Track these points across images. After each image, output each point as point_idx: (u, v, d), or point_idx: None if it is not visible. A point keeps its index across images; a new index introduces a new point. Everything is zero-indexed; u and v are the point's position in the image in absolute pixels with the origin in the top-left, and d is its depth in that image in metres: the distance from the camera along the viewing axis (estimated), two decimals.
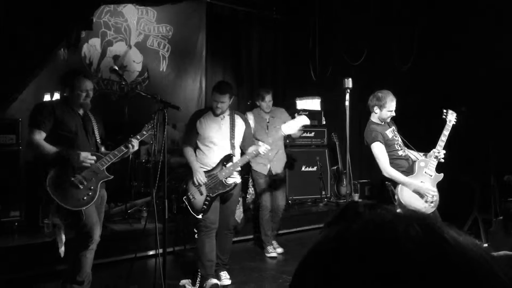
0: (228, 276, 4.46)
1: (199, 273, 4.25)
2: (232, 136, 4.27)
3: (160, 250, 3.51)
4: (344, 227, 0.52)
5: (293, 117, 4.82)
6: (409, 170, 4.03)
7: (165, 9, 7.30)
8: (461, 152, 5.71)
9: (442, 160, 4.01)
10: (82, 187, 3.46)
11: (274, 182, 5.39)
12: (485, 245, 4.45)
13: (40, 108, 3.55)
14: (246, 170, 5.58)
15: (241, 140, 4.34)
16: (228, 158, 4.22)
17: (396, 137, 4.13)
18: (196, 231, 4.26)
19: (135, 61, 7.24)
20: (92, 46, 6.77)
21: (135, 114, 5.83)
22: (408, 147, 4.20)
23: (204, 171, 4.18)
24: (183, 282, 4.33)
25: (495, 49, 5.97)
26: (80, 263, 3.54)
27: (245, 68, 8.47)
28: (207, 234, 4.16)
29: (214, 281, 4.20)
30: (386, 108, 4.03)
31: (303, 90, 7.92)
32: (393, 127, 4.18)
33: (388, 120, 4.13)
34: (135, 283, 4.12)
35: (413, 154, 4.17)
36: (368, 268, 0.47)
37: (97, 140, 3.74)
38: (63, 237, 3.71)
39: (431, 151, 4.03)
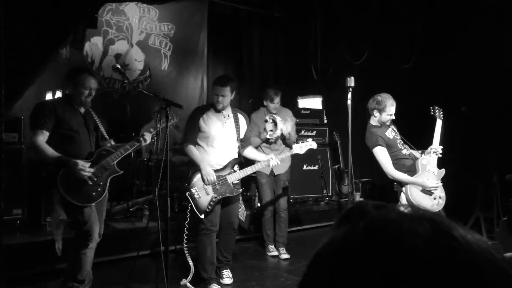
0: (230, 275, 4.45)
1: (193, 270, 4.15)
2: (238, 136, 4.23)
3: (161, 249, 3.52)
4: (350, 228, 0.52)
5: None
6: (412, 169, 4.03)
7: (167, 8, 7.30)
8: (463, 151, 5.71)
9: (440, 155, 4.03)
10: (92, 183, 3.47)
11: (277, 183, 5.36)
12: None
13: (41, 108, 3.52)
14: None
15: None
16: (237, 162, 4.18)
17: (397, 136, 4.14)
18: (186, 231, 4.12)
19: (137, 60, 7.25)
20: (94, 45, 6.78)
21: (137, 112, 5.85)
22: (409, 146, 4.21)
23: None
24: (184, 281, 4.31)
25: (496, 49, 5.96)
26: (81, 262, 3.54)
27: (247, 67, 8.47)
28: (208, 236, 4.10)
29: (217, 287, 4.16)
30: (386, 112, 4.03)
31: (305, 89, 7.92)
32: (392, 126, 4.19)
33: (388, 123, 4.14)
34: (137, 281, 4.12)
35: (414, 153, 4.18)
36: (374, 268, 0.47)
37: (104, 135, 3.74)
38: (61, 235, 3.72)
39: (429, 148, 4.07)
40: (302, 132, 7.12)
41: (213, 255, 4.18)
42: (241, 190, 4.25)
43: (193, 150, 4.11)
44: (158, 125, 3.75)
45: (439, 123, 4.09)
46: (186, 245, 4.06)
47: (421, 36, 6.75)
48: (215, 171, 4.09)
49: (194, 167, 4.14)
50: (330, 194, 7.48)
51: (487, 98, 5.96)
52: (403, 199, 3.98)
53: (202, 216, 4.04)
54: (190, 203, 4.05)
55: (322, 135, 7.48)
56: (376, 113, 4.08)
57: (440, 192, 4.03)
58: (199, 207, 4.04)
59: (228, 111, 4.25)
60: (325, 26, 7.56)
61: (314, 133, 7.35)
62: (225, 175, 4.10)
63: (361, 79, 5.04)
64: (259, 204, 6.16)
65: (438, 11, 6.61)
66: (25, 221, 5.13)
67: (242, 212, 5.56)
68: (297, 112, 6.96)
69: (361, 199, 7.57)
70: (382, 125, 4.11)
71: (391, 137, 4.07)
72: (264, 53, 8.55)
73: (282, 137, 5.15)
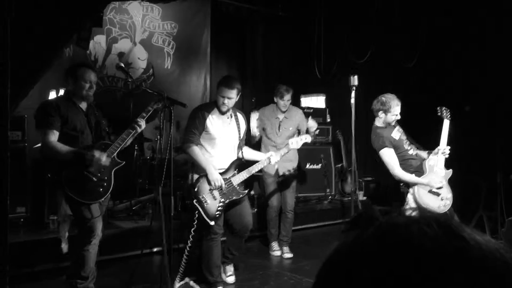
0: (233, 270, 4.39)
1: (182, 268, 3.99)
2: (239, 137, 4.14)
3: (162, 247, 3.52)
4: (360, 233, 0.53)
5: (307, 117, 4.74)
6: (419, 169, 4.02)
7: (170, 6, 7.30)
8: (468, 150, 5.70)
9: (447, 156, 4.02)
10: (96, 179, 3.47)
11: (282, 182, 5.27)
12: None
13: (46, 108, 3.52)
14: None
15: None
16: (240, 163, 4.10)
17: (403, 136, 4.12)
18: (191, 239, 3.97)
19: (140, 58, 7.25)
20: (97, 43, 6.78)
21: (140, 111, 5.82)
22: (415, 146, 4.20)
23: None
24: (187, 279, 4.30)
25: (504, 46, 5.94)
26: (84, 259, 3.55)
27: (250, 66, 8.47)
28: (214, 240, 3.98)
29: None
30: (391, 112, 4.00)
31: (308, 88, 7.91)
32: (398, 127, 4.17)
33: (393, 123, 4.11)
34: (141, 279, 4.13)
35: (420, 153, 4.17)
36: (386, 272, 0.47)
37: (106, 129, 3.74)
38: (67, 233, 3.73)
39: (436, 149, 4.04)
40: None
41: (219, 257, 4.09)
42: (246, 191, 4.16)
43: (197, 151, 3.92)
44: (150, 108, 3.68)
45: (446, 124, 4.06)
46: (187, 253, 3.98)
47: (424, 35, 6.74)
48: (220, 174, 3.97)
49: (196, 170, 3.98)
50: (333, 193, 7.47)
51: (492, 98, 5.95)
52: (410, 200, 3.97)
53: (212, 223, 3.88)
54: (198, 210, 3.87)
55: (325, 133, 7.47)
56: (381, 114, 4.05)
57: (447, 193, 4.02)
58: (209, 213, 3.88)
59: (229, 111, 4.12)
60: (328, 24, 7.54)
61: (317, 132, 7.32)
62: (229, 178, 4.00)
63: (364, 78, 5.03)
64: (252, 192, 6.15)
65: (444, 8, 6.58)
66: (29, 219, 5.14)
67: None
68: (301, 110, 6.94)
69: (364, 198, 7.56)
70: (388, 125, 4.09)
71: (397, 137, 4.05)
72: (267, 51, 8.54)
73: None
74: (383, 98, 4.04)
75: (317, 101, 7.79)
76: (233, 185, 4.00)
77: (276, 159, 4.18)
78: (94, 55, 6.79)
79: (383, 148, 3.97)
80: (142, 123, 3.62)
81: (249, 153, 4.29)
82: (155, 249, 5.04)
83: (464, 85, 6.40)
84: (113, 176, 3.61)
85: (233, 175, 4.02)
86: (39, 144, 4.83)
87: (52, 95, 5.70)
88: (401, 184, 4.05)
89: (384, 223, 0.53)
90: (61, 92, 5.60)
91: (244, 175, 4.04)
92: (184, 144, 4.04)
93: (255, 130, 5.13)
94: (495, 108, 6.00)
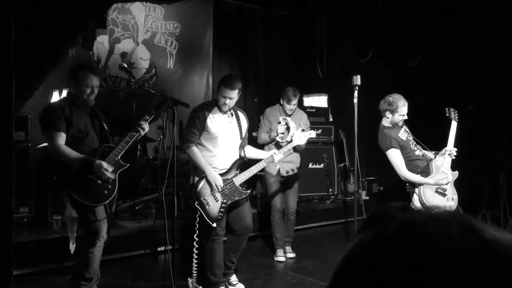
0: (235, 276, 4.33)
1: (195, 273, 4.01)
2: (240, 136, 4.08)
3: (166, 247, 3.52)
4: (379, 231, 0.52)
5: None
6: (425, 170, 4.02)
7: (172, 7, 7.30)
8: (471, 149, 5.69)
9: (454, 157, 4.02)
10: (100, 182, 3.47)
11: (285, 183, 5.22)
12: None
13: (51, 110, 3.51)
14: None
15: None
16: (242, 162, 4.04)
17: (410, 136, 4.12)
18: (197, 239, 3.94)
19: (143, 58, 7.26)
20: (100, 43, 6.79)
21: (143, 111, 5.82)
22: (421, 146, 4.20)
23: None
24: (189, 279, 4.31)
25: (505, 46, 5.93)
26: (88, 260, 3.55)
27: (252, 65, 8.48)
28: (216, 241, 3.93)
29: None
30: (398, 112, 3.99)
31: (310, 87, 7.91)
32: (405, 127, 4.16)
33: (400, 123, 4.11)
34: (144, 279, 4.13)
35: (427, 153, 4.17)
36: (406, 270, 0.47)
37: (107, 131, 3.74)
38: (75, 233, 3.73)
39: (443, 150, 4.03)
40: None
41: (221, 258, 4.04)
42: (249, 191, 4.09)
43: (196, 152, 3.88)
44: (153, 111, 3.67)
45: (454, 125, 4.06)
46: (196, 255, 3.98)
47: (425, 35, 6.73)
48: (221, 174, 3.92)
49: (197, 172, 3.94)
50: (335, 192, 7.48)
51: (497, 97, 5.94)
52: (415, 200, 3.97)
53: (215, 225, 3.83)
54: (200, 213, 3.82)
55: (327, 133, 7.48)
56: (388, 114, 4.04)
57: (453, 194, 4.03)
58: (210, 215, 3.83)
59: (230, 110, 4.06)
60: (330, 24, 7.55)
61: (319, 131, 7.33)
62: (231, 178, 3.94)
63: (367, 77, 5.03)
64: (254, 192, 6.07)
65: (446, 7, 6.57)
66: (32, 219, 5.15)
67: None
68: (303, 111, 6.94)
69: (367, 197, 7.56)
70: (395, 126, 4.08)
71: (404, 138, 4.05)
72: (270, 51, 8.55)
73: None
74: (390, 98, 4.03)
75: (319, 101, 7.78)
76: (235, 185, 3.93)
77: (279, 157, 4.11)
78: (97, 55, 6.80)
79: (390, 148, 3.97)
80: (146, 126, 3.62)
81: (251, 152, 4.23)
82: (158, 249, 5.05)
83: (464, 85, 6.40)
84: (117, 178, 3.62)
85: (235, 175, 3.96)
86: (42, 144, 4.86)
87: (55, 95, 5.71)
88: (407, 184, 4.05)
89: (404, 222, 0.52)
90: (64, 92, 5.61)
91: (246, 174, 3.98)
92: (183, 144, 3.99)
93: (280, 135, 4.86)
94: (497, 108, 6.00)
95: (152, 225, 4.20)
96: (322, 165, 7.24)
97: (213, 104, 4.04)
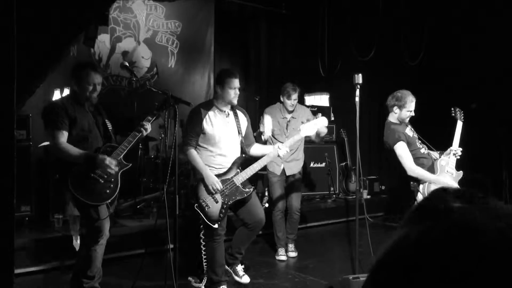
0: (243, 267, 4.38)
1: (205, 275, 4.07)
2: (240, 134, 4.02)
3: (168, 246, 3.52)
4: (426, 230, 0.48)
5: (314, 115, 4.61)
6: (430, 169, 4.00)
7: (174, 5, 7.30)
8: (473, 147, 5.68)
9: (459, 157, 4.00)
10: (103, 181, 3.47)
11: (288, 184, 5.16)
12: None
13: (53, 109, 3.50)
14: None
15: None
16: (241, 161, 3.99)
17: (415, 135, 4.11)
18: (203, 237, 3.99)
19: (144, 57, 7.25)
20: (101, 42, 6.78)
21: (145, 109, 5.82)
22: (426, 146, 4.18)
23: (216, 175, 3.85)
24: (190, 279, 4.31)
25: (510, 48, 5.91)
26: (91, 258, 3.55)
27: (253, 64, 8.46)
28: (217, 241, 3.92)
29: None
30: (406, 108, 3.99)
31: (312, 86, 7.90)
32: (410, 126, 4.16)
33: (407, 120, 4.10)
34: (145, 278, 4.13)
35: (432, 153, 4.15)
36: (453, 274, 0.44)
37: (109, 130, 3.74)
38: (77, 231, 3.74)
39: (448, 149, 4.02)
40: None
41: (223, 257, 4.03)
42: (251, 189, 4.02)
43: (194, 155, 3.88)
44: (155, 112, 3.67)
45: (459, 125, 4.05)
46: (204, 256, 4.00)
47: (429, 34, 6.72)
48: (221, 174, 3.89)
49: (196, 174, 3.93)
50: (337, 191, 7.47)
51: (498, 96, 5.93)
52: (420, 198, 3.95)
53: (216, 226, 3.83)
54: (201, 215, 3.83)
55: (329, 132, 7.43)
56: (396, 109, 4.04)
57: None
58: (211, 217, 3.82)
59: (227, 108, 4.00)
60: (332, 23, 7.53)
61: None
62: (231, 178, 3.90)
63: (369, 76, 5.01)
64: (266, 205, 6.07)
65: (450, 7, 6.56)
66: (33, 218, 5.15)
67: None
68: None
69: (368, 196, 7.55)
70: (402, 122, 4.08)
71: (411, 135, 4.04)
72: (271, 50, 8.54)
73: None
74: (398, 94, 4.03)
75: (321, 100, 7.78)
76: (236, 185, 3.89)
77: (284, 151, 3.99)
78: (98, 54, 6.80)
79: (399, 141, 3.94)
80: (148, 127, 3.64)
81: (258, 150, 4.16)
82: (159, 248, 5.05)
83: (464, 85, 6.38)
84: (120, 178, 3.62)
85: (236, 174, 3.92)
86: (44, 143, 4.86)
87: (57, 94, 5.71)
88: (411, 182, 4.02)
89: (459, 220, 0.48)
90: (66, 91, 5.61)
91: (247, 173, 3.93)
92: (183, 147, 3.98)
93: (268, 134, 5.00)
94: (498, 107, 5.98)
95: (154, 224, 4.19)
96: (323, 164, 7.23)
97: (211, 103, 4.02)
